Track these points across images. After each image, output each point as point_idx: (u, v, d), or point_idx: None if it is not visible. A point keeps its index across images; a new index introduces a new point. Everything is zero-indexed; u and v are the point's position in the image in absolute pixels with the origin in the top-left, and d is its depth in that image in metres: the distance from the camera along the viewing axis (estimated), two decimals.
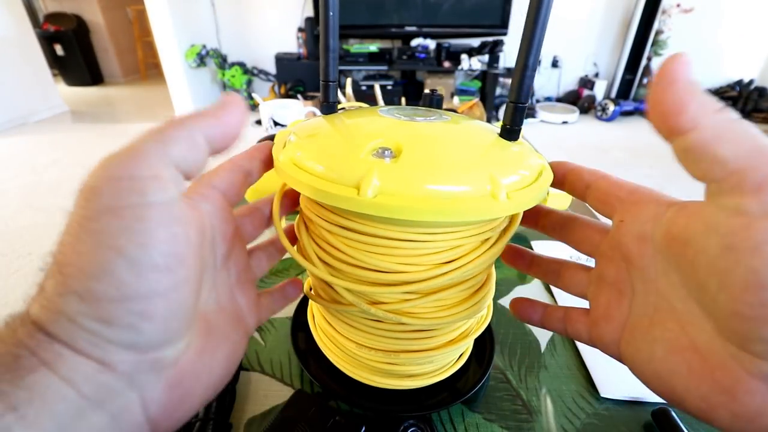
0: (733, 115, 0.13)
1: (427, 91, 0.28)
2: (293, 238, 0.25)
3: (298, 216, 0.25)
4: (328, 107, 0.25)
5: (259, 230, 0.23)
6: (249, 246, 0.23)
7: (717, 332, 0.14)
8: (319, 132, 0.22)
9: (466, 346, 0.31)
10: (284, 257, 0.42)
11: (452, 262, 0.21)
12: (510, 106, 0.21)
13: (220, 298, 0.19)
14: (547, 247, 0.51)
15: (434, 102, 0.28)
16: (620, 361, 0.18)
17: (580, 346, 0.36)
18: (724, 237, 0.12)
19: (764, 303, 0.12)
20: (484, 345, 0.34)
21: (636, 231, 0.17)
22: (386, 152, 0.19)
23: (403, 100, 0.75)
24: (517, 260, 0.24)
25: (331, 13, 0.22)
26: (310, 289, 0.28)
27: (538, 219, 0.23)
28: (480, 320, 0.30)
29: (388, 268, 0.21)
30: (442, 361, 0.29)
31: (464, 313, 0.24)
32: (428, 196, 0.18)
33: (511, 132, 0.21)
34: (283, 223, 0.24)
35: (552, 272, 0.23)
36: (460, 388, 0.30)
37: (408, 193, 0.17)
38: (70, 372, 0.12)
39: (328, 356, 0.30)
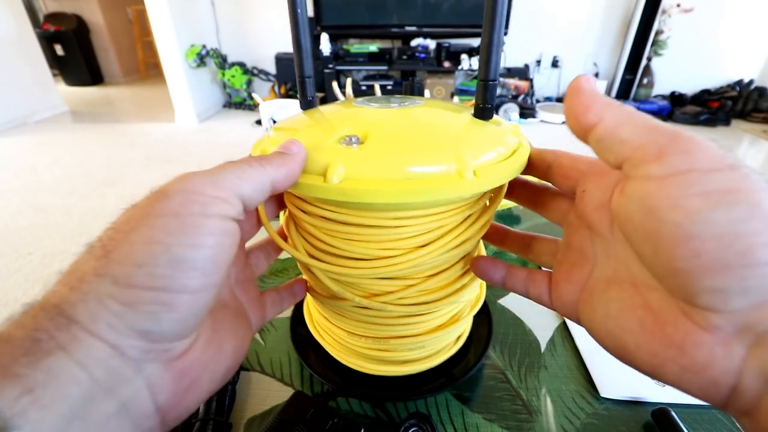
0: (629, 108, 0.15)
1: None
2: (285, 236, 0.26)
3: (286, 212, 0.26)
4: (306, 103, 0.25)
5: (255, 229, 0.24)
6: (247, 245, 0.24)
7: (668, 292, 0.14)
8: (295, 126, 0.22)
9: (459, 331, 0.31)
10: (282, 257, 0.42)
11: (430, 244, 0.21)
12: (480, 84, 0.21)
13: (223, 295, 0.20)
14: None
15: (414, 88, 0.28)
16: (578, 322, 0.19)
17: (580, 345, 0.36)
18: (643, 201, 0.14)
19: (696, 253, 0.12)
20: (482, 329, 0.34)
21: (596, 200, 0.18)
22: (353, 139, 0.19)
23: None
24: (491, 235, 0.25)
25: (299, 11, 0.22)
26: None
27: (513, 189, 0.24)
28: (471, 304, 0.30)
29: (369, 254, 0.21)
30: (434, 345, 0.29)
31: (450, 298, 0.24)
32: (392, 178, 0.18)
33: (484, 111, 0.21)
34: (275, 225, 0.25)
35: (524, 245, 0.23)
36: (456, 374, 0.30)
37: (373, 177, 0.18)
38: (85, 355, 0.12)
39: (324, 346, 0.31)
